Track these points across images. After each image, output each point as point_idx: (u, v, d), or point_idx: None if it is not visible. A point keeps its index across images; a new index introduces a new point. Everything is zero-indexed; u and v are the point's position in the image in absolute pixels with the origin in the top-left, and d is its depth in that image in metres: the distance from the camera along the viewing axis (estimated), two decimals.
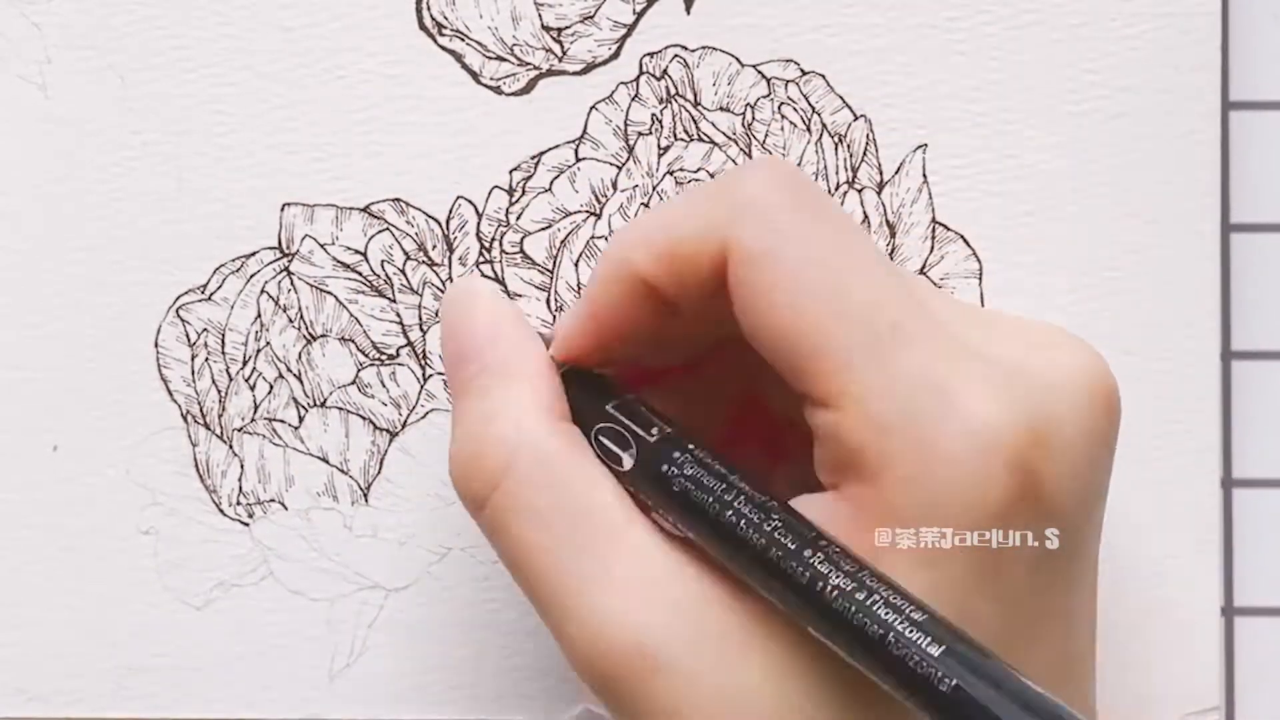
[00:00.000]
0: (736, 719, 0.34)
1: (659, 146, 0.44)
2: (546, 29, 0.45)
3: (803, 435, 0.36)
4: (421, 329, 0.45)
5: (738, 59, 0.45)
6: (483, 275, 0.44)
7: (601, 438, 0.37)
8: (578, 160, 0.45)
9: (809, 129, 0.44)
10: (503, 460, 0.37)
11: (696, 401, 0.40)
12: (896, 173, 0.45)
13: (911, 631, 0.32)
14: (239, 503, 0.45)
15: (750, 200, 0.36)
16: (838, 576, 0.33)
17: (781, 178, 0.36)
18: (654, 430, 0.37)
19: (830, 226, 0.36)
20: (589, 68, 0.45)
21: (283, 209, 0.45)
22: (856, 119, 0.45)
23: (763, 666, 0.35)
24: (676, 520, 0.36)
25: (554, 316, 0.44)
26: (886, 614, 0.32)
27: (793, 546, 0.34)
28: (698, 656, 0.35)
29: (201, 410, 0.45)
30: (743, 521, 0.35)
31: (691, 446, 0.36)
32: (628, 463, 0.37)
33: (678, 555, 0.36)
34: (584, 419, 0.38)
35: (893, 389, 0.34)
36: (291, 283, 0.45)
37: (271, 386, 0.45)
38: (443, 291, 0.44)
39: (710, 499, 0.35)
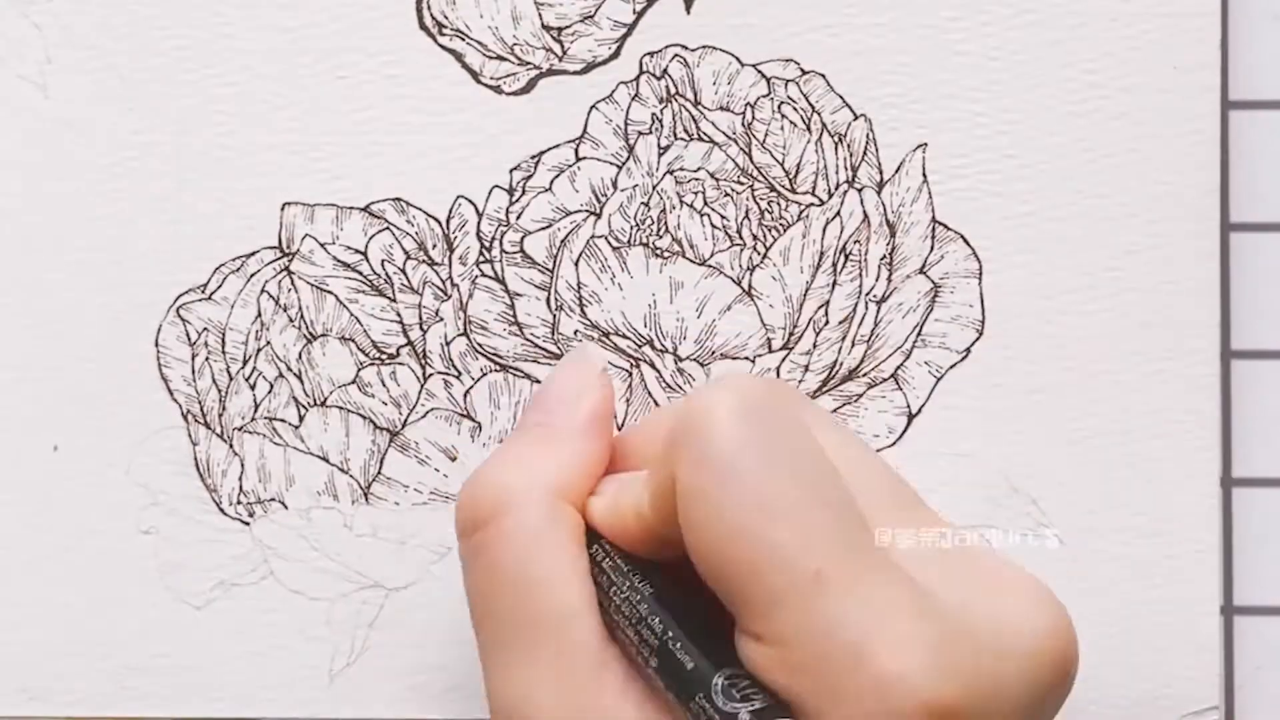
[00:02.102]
0: None
1: (659, 146, 0.44)
2: (546, 28, 0.45)
3: None
4: (421, 328, 0.45)
5: (738, 59, 0.45)
6: (482, 275, 0.45)
7: (596, 555, 0.38)
8: (578, 160, 0.45)
9: (809, 129, 0.44)
10: (496, 508, 0.38)
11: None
12: (896, 172, 0.45)
13: None
14: (239, 502, 0.45)
15: (684, 435, 0.36)
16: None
17: (733, 404, 0.36)
18: (638, 578, 0.37)
19: (771, 459, 0.35)
20: (589, 67, 0.45)
21: (283, 209, 0.45)
22: (856, 119, 0.45)
23: None
24: (642, 651, 0.37)
25: (555, 316, 0.44)
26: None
27: (735, 686, 0.35)
28: None
29: (202, 410, 0.45)
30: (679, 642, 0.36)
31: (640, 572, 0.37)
32: (611, 581, 0.37)
33: (616, 667, 0.37)
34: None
35: (810, 639, 0.34)
36: (292, 282, 0.45)
37: (272, 386, 0.45)
38: (443, 292, 0.45)
39: (626, 586, 0.37)
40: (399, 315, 0.45)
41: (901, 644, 0.33)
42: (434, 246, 0.45)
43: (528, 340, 0.44)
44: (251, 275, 0.45)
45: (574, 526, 0.38)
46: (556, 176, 0.44)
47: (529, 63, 0.45)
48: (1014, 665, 0.34)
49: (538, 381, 0.44)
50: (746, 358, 0.44)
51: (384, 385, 0.44)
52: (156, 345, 0.45)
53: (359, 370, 0.44)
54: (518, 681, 0.37)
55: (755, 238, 0.44)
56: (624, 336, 0.44)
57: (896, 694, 0.33)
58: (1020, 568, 0.37)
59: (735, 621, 0.35)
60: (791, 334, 0.44)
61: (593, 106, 0.45)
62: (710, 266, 0.44)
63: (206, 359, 0.45)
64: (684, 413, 0.36)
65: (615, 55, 0.45)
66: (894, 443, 0.45)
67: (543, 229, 0.44)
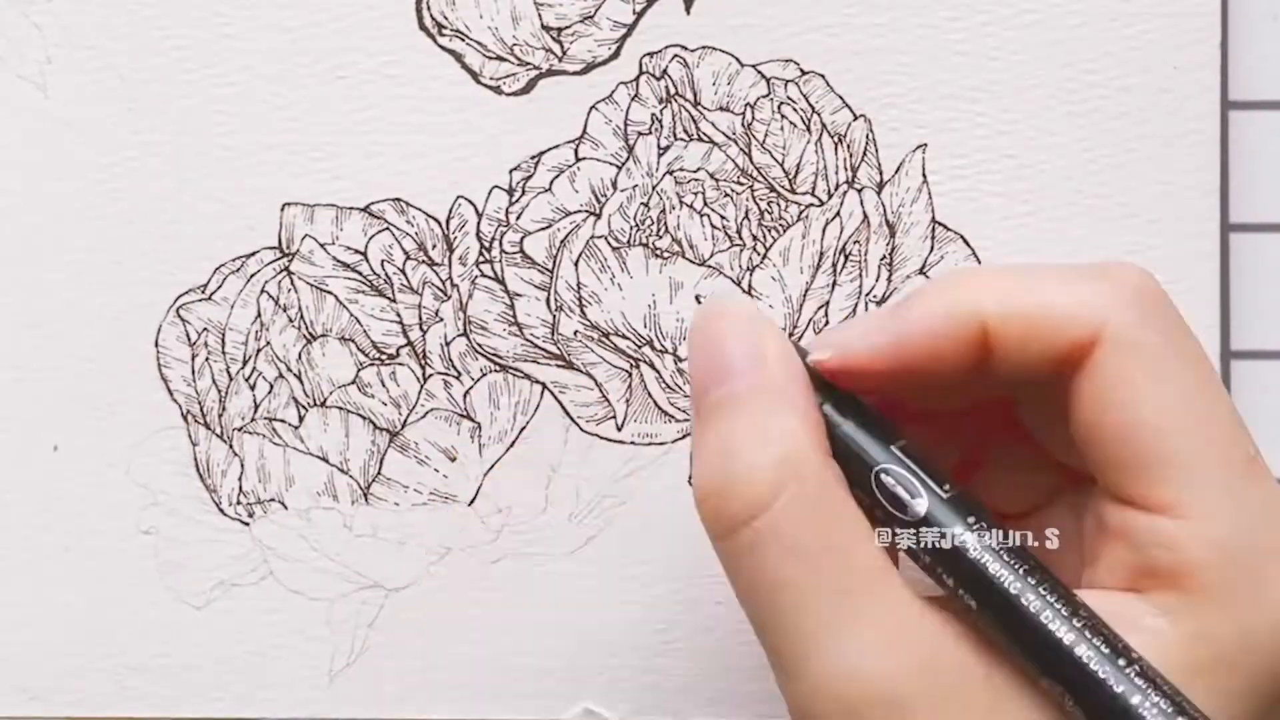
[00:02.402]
0: None
1: (659, 146, 0.44)
2: (546, 29, 0.45)
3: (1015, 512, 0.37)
4: (421, 328, 0.45)
5: (738, 59, 0.45)
6: (482, 275, 0.45)
7: (885, 478, 0.36)
8: (578, 160, 0.45)
9: (809, 129, 0.44)
10: (769, 488, 0.35)
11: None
12: (896, 173, 0.45)
13: None
14: (239, 502, 0.45)
15: (1137, 291, 0.35)
16: (1155, 696, 0.33)
17: (1155, 282, 0.36)
18: (945, 486, 0.36)
19: (1195, 344, 0.36)
20: (589, 68, 0.45)
21: (283, 209, 0.45)
22: (856, 119, 0.45)
23: None
24: (958, 583, 0.35)
25: (555, 316, 0.44)
26: None
27: (1105, 651, 0.33)
28: (944, 716, 0.34)
29: (201, 410, 0.45)
30: (1048, 612, 0.34)
31: (984, 515, 0.36)
32: (919, 509, 0.35)
33: (934, 613, 0.35)
34: (850, 451, 0.36)
35: (1243, 519, 0.34)
36: (291, 282, 0.45)
37: (271, 386, 0.45)
38: (443, 292, 0.44)
39: (1011, 578, 0.34)
40: (399, 315, 0.45)
41: None
42: (434, 247, 0.45)
43: (527, 340, 0.44)
44: (251, 275, 0.45)
45: (844, 483, 0.36)
46: (556, 177, 0.44)
47: (529, 63, 0.45)
48: None
49: (538, 382, 0.44)
50: None
51: (384, 385, 0.44)
52: (156, 345, 0.45)
53: (359, 370, 0.44)
54: (848, 654, 0.34)
55: (755, 238, 0.44)
56: (624, 337, 0.44)
57: None
58: None
59: (1123, 493, 0.35)
60: (791, 334, 0.44)
61: (592, 107, 0.45)
62: (710, 267, 0.44)
63: (206, 359, 0.45)
64: (1112, 271, 0.36)
65: (615, 55, 0.45)
66: None
67: (542, 229, 0.44)
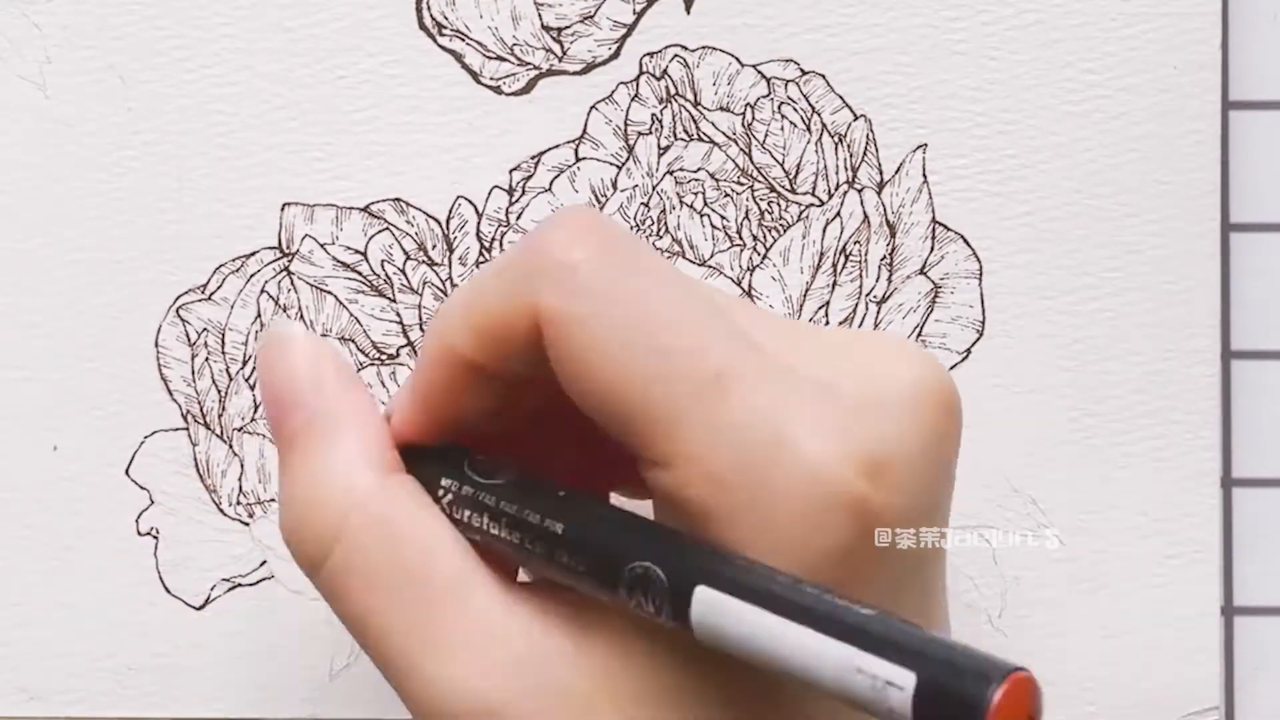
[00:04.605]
0: None
1: (659, 146, 0.44)
2: (546, 29, 0.45)
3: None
4: (422, 329, 0.45)
5: (738, 59, 0.45)
6: None
7: (444, 481, 0.36)
8: (578, 160, 0.45)
9: (809, 129, 0.44)
10: (335, 523, 0.35)
11: (540, 460, 0.38)
12: (896, 173, 0.45)
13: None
14: (239, 502, 0.45)
15: (552, 262, 0.34)
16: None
17: (583, 231, 0.34)
18: (499, 476, 0.36)
19: (640, 274, 0.34)
20: (589, 68, 0.45)
21: (283, 209, 0.45)
22: (856, 119, 0.45)
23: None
24: (502, 537, 0.35)
25: None
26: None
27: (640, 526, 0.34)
28: (543, 713, 0.34)
29: (202, 410, 0.45)
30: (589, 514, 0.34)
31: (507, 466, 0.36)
32: (450, 492, 0.36)
33: (521, 609, 0.35)
34: (420, 466, 0.37)
35: (724, 442, 0.33)
36: (291, 283, 0.45)
37: None
38: (443, 292, 0.44)
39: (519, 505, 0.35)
40: (399, 315, 0.45)
41: (815, 425, 0.33)
42: (434, 247, 0.45)
43: None
44: (251, 275, 0.45)
45: (414, 490, 0.36)
46: (556, 177, 0.44)
47: (529, 63, 0.45)
48: (906, 418, 0.34)
49: None
50: None
51: (384, 386, 0.44)
52: (156, 345, 0.45)
53: (359, 370, 0.44)
54: (439, 671, 0.34)
55: (755, 238, 0.44)
56: None
57: (820, 478, 0.32)
58: (869, 330, 0.36)
59: (637, 456, 0.34)
60: None
61: (593, 107, 0.45)
62: (710, 266, 0.44)
63: (206, 359, 0.45)
64: (535, 245, 0.34)
65: (615, 55, 0.45)
66: None
67: None
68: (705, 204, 0.44)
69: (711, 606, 0.32)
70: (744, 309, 0.36)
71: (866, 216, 0.44)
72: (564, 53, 0.45)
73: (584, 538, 0.34)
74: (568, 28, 0.45)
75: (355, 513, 0.35)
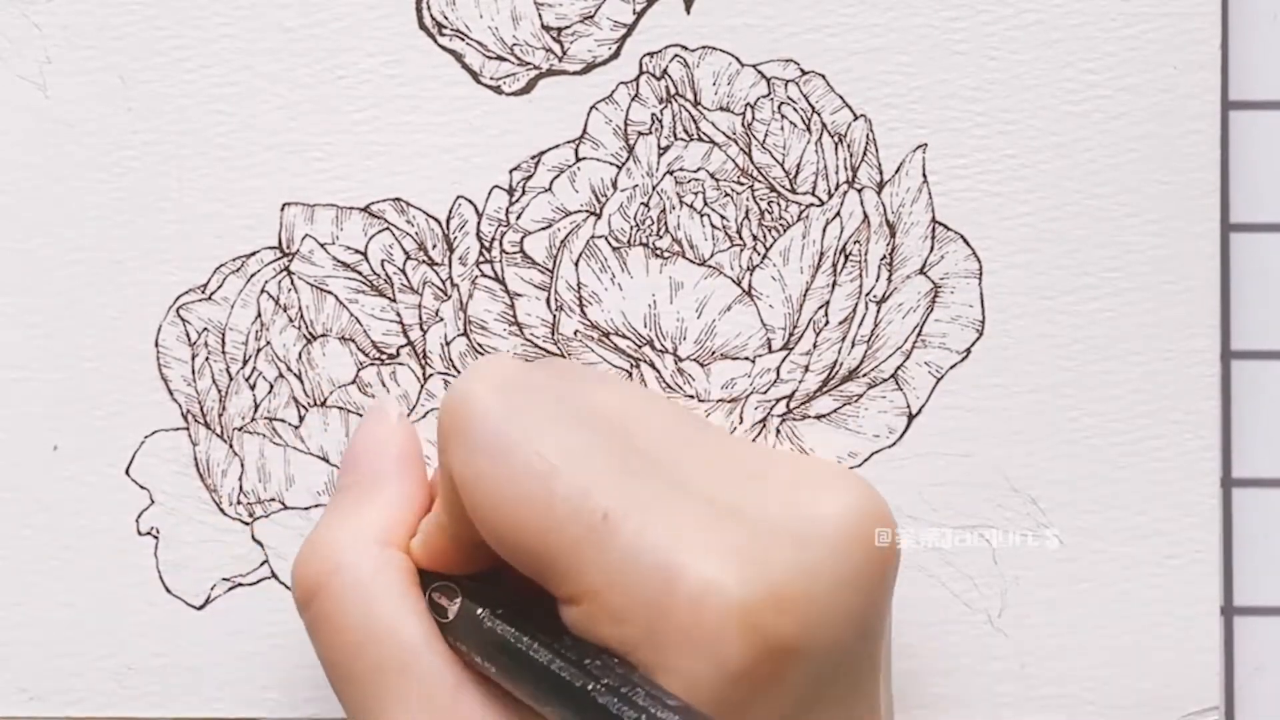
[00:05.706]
0: None
1: (659, 146, 0.44)
2: (546, 29, 0.45)
3: None
4: (422, 329, 0.45)
5: (738, 59, 0.45)
6: (482, 275, 0.45)
7: (432, 594, 0.38)
8: (578, 160, 0.45)
9: (809, 129, 0.44)
10: (325, 573, 0.38)
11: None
12: (896, 173, 0.45)
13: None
14: (239, 502, 0.45)
15: (453, 425, 0.37)
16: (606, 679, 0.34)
17: (483, 390, 0.37)
18: (486, 593, 0.38)
19: (533, 425, 0.36)
20: (589, 67, 0.45)
21: (283, 209, 0.45)
22: (856, 119, 0.45)
23: None
24: (492, 663, 0.37)
25: (555, 316, 0.44)
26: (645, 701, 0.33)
27: (573, 657, 0.35)
28: None
29: (202, 410, 0.45)
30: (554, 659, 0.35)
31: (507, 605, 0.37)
32: (451, 612, 0.38)
33: (466, 695, 0.37)
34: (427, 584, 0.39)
35: (618, 578, 0.34)
36: (292, 282, 0.45)
37: (272, 386, 0.45)
38: (443, 292, 0.45)
39: (524, 640, 0.36)
40: (399, 315, 0.45)
41: (707, 552, 0.34)
42: (434, 246, 0.45)
43: (528, 340, 0.44)
44: (251, 275, 0.45)
45: (403, 569, 0.39)
46: (556, 177, 0.44)
47: (529, 63, 0.45)
48: (825, 552, 0.35)
49: None
50: (746, 358, 0.44)
51: (384, 386, 0.44)
52: (156, 345, 0.45)
53: (359, 370, 0.44)
54: None
55: (755, 238, 0.44)
56: (624, 337, 0.44)
57: (713, 602, 0.33)
58: (815, 456, 0.37)
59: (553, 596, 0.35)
60: (791, 334, 0.44)
61: (593, 107, 0.45)
62: (710, 267, 0.44)
63: (206, 359, 0.45)
64: (443, 408, 0.37)
65: (615, 55, 0.45)
66: (894, 443, 0.45)
67: (543, 229, 0.44)
68: (705, 204, 0.44)
69: None
70: (666, 435, 0.37)
71: (866, 216, 0.44)
72: (564, 53, 0.45)
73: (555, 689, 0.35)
74: (568, 28, 0.45)
75: (343, 571, 0.38)
